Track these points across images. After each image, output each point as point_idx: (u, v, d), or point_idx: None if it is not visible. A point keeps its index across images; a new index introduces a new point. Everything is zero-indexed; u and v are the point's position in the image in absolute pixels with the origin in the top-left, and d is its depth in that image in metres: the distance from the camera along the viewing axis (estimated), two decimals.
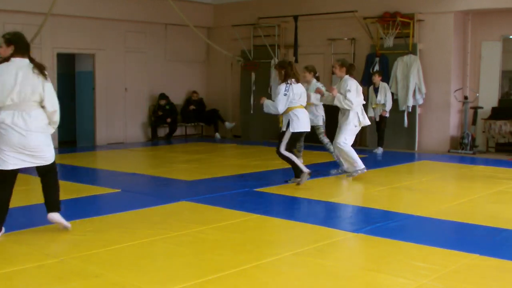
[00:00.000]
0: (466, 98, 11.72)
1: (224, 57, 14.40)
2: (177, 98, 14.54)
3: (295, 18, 12.92)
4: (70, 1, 12.13)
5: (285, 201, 6.85)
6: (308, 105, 8.38)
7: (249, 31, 14.14)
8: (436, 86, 11.82)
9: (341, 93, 8.05)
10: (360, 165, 8.03)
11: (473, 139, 11.50)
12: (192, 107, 14.60)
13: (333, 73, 8.24)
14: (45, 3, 10.84)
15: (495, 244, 5.05)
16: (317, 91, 8.52)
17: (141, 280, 4.00)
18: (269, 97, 13.77)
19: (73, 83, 13.58)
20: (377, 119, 11.37)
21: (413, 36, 11.80)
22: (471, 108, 11.67)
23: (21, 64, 5.04)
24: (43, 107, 5.13)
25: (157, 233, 5.22)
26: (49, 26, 11.67)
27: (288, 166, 8.96)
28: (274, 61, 13.61)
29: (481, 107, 11.64)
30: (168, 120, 13.99)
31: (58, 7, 11.07)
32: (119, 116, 13.52)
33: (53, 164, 5.33)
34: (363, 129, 9.98)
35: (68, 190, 7.48)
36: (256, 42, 14.09)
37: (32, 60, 5.15)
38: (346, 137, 8.04)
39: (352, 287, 3.96)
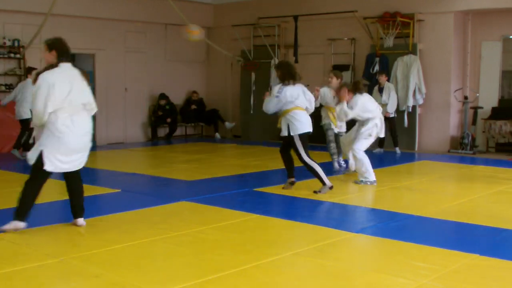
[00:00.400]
0: (466, 98, 11.72)
1: (224, 57, 14.40)
2: (177, 98, 14.54)
3: (295, 18, 12.92)
4: (70, 1, 12.13)
5: (285, 201, 6.85)
6: (332, 111, 8.46)
7: (249, 31, 14.14)
8: (436, 86, 11.82)
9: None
10: (371, 177, 7.81)
11: (473, 139, 11.50)
12: (193, 106, 14.61)
13: (340, 99, 8.11)
14: (45, 3, 10.85)
15: (495, 244, 5.05)
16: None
17: (141, 280, 4.00)
18: None
19: None
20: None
21: (413, 36, 11.80)
22: (471, 108, 11.67)
23: (69, 69, 5.29)
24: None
25: (157, 233, 5.22)
26: (49, 26, 11.66)
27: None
28: (274, 61, 13.61)
29: (481, 107, 11.64)
30: (168, 120, 13.99)
31: (58, 7, 11.08)
32: (119, 116, 13.52)
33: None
34: None
35: None
36: (256, 42, 14.09)
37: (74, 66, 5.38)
38: (361, 145, 7.93)
39: (352, 287, 3.96)
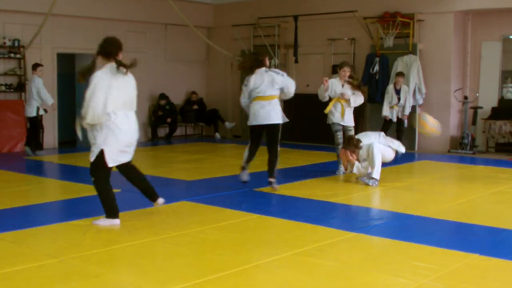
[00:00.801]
0: (466, 98, 11.72)
1: (224, 57, 14.40)
2: (177, 98, 14.53)
3: (295, 18, 12.92)
4: (70, 1, 12.13)
5: (285, 201, 6.85)
6: (345, 102, 8.41)
7: (249, 31, 14.14)
8: (436, 86, 11.82)
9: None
10: (378, 176, 7.72)
11: (473, 139, 11.50)
12: (195, 106, 14.62)
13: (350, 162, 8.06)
14: (45, 3, 10.85)
15: (495, 244, 5.05)
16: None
17: (141, 280, 4.00)
18: None
19: (73, 83, 13.57)
20: (394, 120, 11.21)
21: (413, 36, 11.80)
22: (471, 108, 11.67)
23: (112, 68, 5.50)
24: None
25: (157, 233, 5.22)
26: (49, 26, 11.68)
27: (289, 166, 8.99)
28: (274, 61, 13.62)
29: (481, 107, 11.64)
30: (168, 120, 13.99)
31: (58, 7, 11.08)
32: None
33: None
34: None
35: (68, 190, 7.49)
36: (256, 42, 14.09)
37: (118, 62, 5.60)
38: (379, 146, 7.84)
39: (352, 287, 3.97)
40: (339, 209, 6.50)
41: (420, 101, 11.75)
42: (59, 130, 12.67)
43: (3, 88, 11.53)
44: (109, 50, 5.59)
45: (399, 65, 11.83)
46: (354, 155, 7.83)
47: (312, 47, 13.34)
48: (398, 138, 11.22)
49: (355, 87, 8.48)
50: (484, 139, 11.80)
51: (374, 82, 12.10)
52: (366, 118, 12.47)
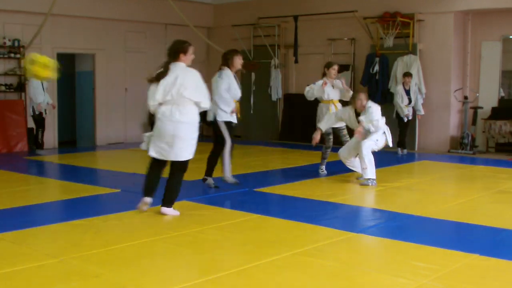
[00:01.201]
0: (466, 98, 11.72)
1: None
2: None
3: (295, 18, 12.92)
4: (70, 1, 12.13)
5: (285, 201, 6.85)
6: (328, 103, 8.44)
7: (249, 31, 14.14)
8: (436, 86, 11.82)
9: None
10: (373, 176, 7.75)
11: (473, 139, 11.50)
12: None
13: (357, 112, 7.97)
14: (45, 3, 10.85)
15: (495, 244, 5.05)
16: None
17: (141, 280, 4.00)
18: (269, 97, 13.82)
19: (73, 83, 13.59)
20: (406, 120, 11.17)
21: (413, 36, 11.80)
22: (471, 108, 11.67)
23: (175, 67, 5.88)
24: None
25: (157, 233, 5.22)
26: (49, 26, 11.68)
27: (289, 166, 9.00)
28: (274, 61, 13.63)
29: (481, 107, 11.64)
30: None
31: (58, 7, 11.08)
32: (119, 116, 13.52)
33: (182, 164, 6.00)
34: None
35: (68, 190, 7.49)
36: (256, 42, 14.09)
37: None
38: (369, 146, 7.75)
39: (352, 287, 3.97)
40: (339, 209, 6.50)
41: (420, 101, 11.75)
42: (59, 130, 12.67)
43: (3, 88, 11.54)
44: (170, 51, 6.01)
45: (399, 65, 11.83)
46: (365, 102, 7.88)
47: (312, 47, 13.34)
48: (402, 136, 11.24)
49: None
50: (484, 139, 11.79)
51: (374, 82, 12.10)
52: None
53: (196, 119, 5.85)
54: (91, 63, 13.10)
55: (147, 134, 6.05)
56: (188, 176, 8.49)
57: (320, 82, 8.52)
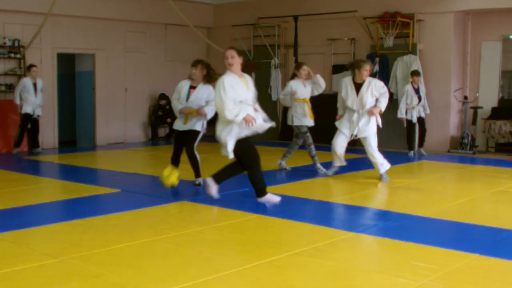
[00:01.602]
0: (466, 98, 11.72)
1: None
2: None
3: (295, 18, 12.93)
4: (70, 1, 12.13)
5: (285, 201, 6.84)
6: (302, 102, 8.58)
7: (249, 31, 14.14)
8: (436, 86, 11.82)
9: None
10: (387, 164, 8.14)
11: (473, 139, 11.50)
12: None
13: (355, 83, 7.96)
14: (45, 3, 10.86)
15: (495, 244, 5.05)
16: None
17: (141, 280, 4.00)
18: (269, 97, 13.81)
19: (73, 83, 13.59)
20: (414, 120, 11.04)
21: (413, 36, 11.80)
22: (471, 108, 11.67)
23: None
24: None
25: (157, 233, 5.22)
26: (49, 26, 11.69)
27: (289, 166, 9.01)
28: (274, 61, 13.63)
29: (481, 107, 11.64)
30: (168, 120, 13.97)
31: (58, 7, 11.09)
32: (119, 116, 13.52)
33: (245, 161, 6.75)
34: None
35: (68, 190, 7.49)
36: (256, 42, 14.09)
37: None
38: (375, 143, 8.00)
39: (352, 287, 3.96)
40: (339, 209, 6.50)
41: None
42: (59, 130, 12.67)
43: (3, 88, 11.53)
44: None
45: (399, 65, 11.83)
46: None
47: (312, 47, 13.34)
48: (422, 137, 11.21)
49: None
50: (484, 139, 11.80)
51: None
52: None
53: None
54: (91, 63, 13.10)
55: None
56: (188, 176, 8.52)
57: (289, 90, 8.74)
